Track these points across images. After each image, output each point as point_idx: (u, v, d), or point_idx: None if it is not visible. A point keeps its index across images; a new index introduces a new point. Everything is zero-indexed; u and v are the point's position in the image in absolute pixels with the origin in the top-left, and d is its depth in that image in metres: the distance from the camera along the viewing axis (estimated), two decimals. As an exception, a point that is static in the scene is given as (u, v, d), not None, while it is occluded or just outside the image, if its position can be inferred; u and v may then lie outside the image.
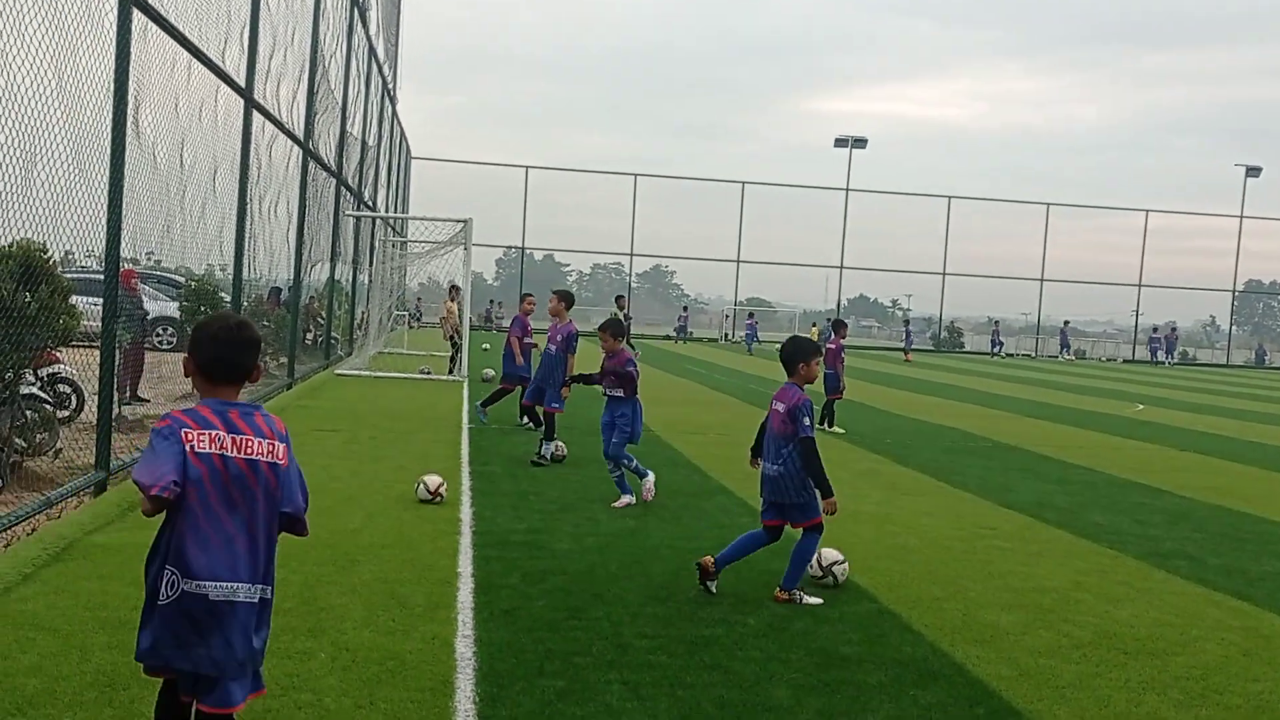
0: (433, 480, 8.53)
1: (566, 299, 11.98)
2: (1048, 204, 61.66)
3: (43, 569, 5.97)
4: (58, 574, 5.91)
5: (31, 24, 6.40)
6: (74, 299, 8.44)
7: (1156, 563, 7.86)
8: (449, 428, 13.45)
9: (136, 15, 7.95)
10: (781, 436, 6.27)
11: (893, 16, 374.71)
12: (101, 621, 5.16)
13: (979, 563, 7.54)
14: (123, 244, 8.01)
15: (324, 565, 6.34)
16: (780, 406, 6.30)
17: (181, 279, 16.95)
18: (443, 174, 76.72)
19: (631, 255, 59.35)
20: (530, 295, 15.53)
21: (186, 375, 3.29)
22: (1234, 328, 71.73)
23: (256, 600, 3.20)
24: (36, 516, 6.85)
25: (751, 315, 52.09)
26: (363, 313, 28.16)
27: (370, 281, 28.59)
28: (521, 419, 13.66)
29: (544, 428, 11.28)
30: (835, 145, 58.78)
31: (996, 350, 57.20)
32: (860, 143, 58.25)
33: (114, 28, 7.71)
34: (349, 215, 24.26)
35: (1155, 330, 60.78)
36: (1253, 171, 61.02)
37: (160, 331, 18.78)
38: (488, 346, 31.33)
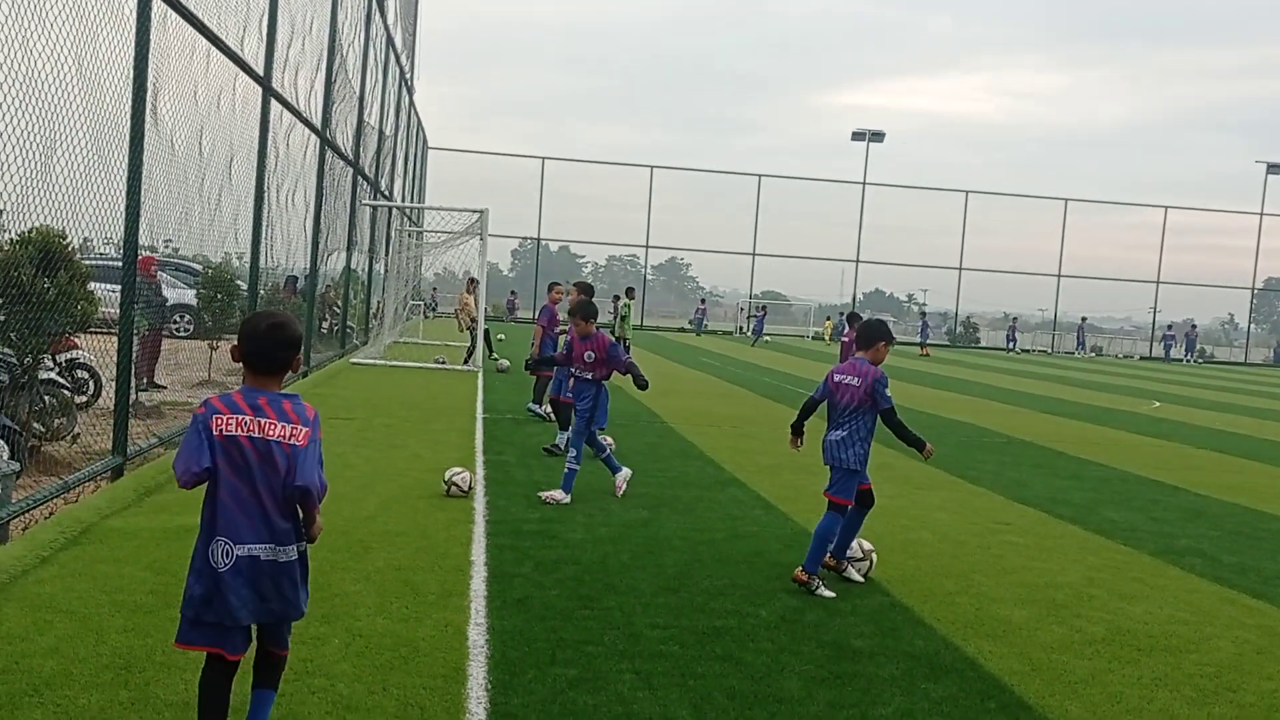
0: (464, 479, 8.42)
1: (587, 291, 12.06)
2: (1065, 199, 61.33)
3: (60, 552, 6.02)
4: (74, 557, 5.96)
5: (53, 10, 6.43)
6: (92, 285, 8.48)
7: (1171, 560, 7.83)
8: (463, 417, 13.49)
9: (156, 3, 7.97)
10: (849, 407, 6.47)
11: (910, 11, 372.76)
12: (118, 605, 5.20)
13: (992, 557, 7.52)
14: (141, 231, 8.04)
15: (338, 552, 6.38)
16: (854, 380, 6.46)
17: (199, 267, 17.03)
18: (459, 164, 77.00)
19: (647, 247, 59.33)
20: (559, 284, 15.03)
21: (235, 361, 3.70)
22: (1252, 326, 71.28)
23: (282, 560, 3.59)
24: (54, 500, 6.91)
25: (763, 308, 51.98)
26: (378, 302, 28.23)
27: (386, 271, 28.63)
28: (542, 408, 13.72)
29: (560, 417, 11.30)
30: (853, 139, 58.61)
31: (1011, 346, 56.96)
32: (878, 136, 58.04)
33: (134, 15, 7.73)
34: (365, 204, 24.30)
35: (1170, 328, 60.41)
36: (1274, 169, 60.39)
37: (177, 319, 18.87)
38: (503, 337, 31.37)
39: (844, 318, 22.07)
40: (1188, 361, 56.43)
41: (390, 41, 27.44)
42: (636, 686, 4.65)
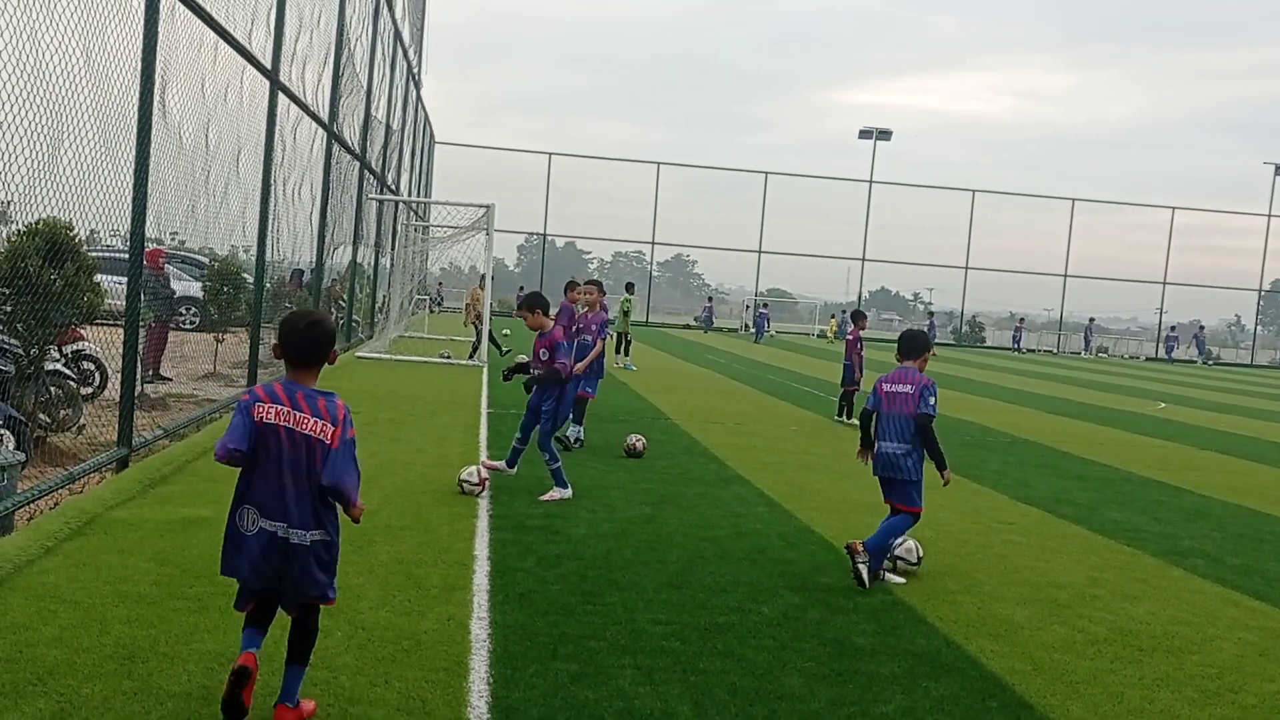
0: (471, 475, 8.37)
1: (601, 289, 12.18)
2: (1072, 199, 61.14)
3: (64, 543, 6.04)
4: (79, 548, 5.98)
5: (62, 3, 6.44)
6: (99, 277, 8.50)
7: (1174, 560, 7.82)
8: (468, 411, 13.50)
9: (164, -4, 7.98)
10: (902, 414, 6.64)
11: (916, 9, 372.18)
12: (121, 595, 5.22)
13: (995, 557, 7.52)
14: (148, 223, 8.06)
15: (341, 545, 6.37)
16: (906, 388, 6.66)
17: (205, 259, 17.05)
18: (466, 159, 77.07)
19: (653, 244, 59.27)
20: (578, 284, 13.53)
21: (276, 357, 4.15)
22: (1259, 328, 71.09)
23: (308, 543, 3.98)
24: (59, 491, 6.93)
25: (766, 305, 51.93)
26: (384, 296, 28.26)
27: (392, 265, 28.66)
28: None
29: (575, 410, 11.32)
30: (860, 137, 58.49)
31: (1017, 346, 56.87)
32: (885, 135, 57.93)
33: (142, 8, 7.74)
34: (372, 199, 24.32)
35: (1173, 329, 60.26)
36: (1282, 170, 60.26)
37: (183, 312, 18.90)
38: (508, 332, 31.38)
39: (847, 315, 22.03)
40: (1202, 363, 56.25)
41: (398, 36, 27.45)
42: (638, 682, 4.65)
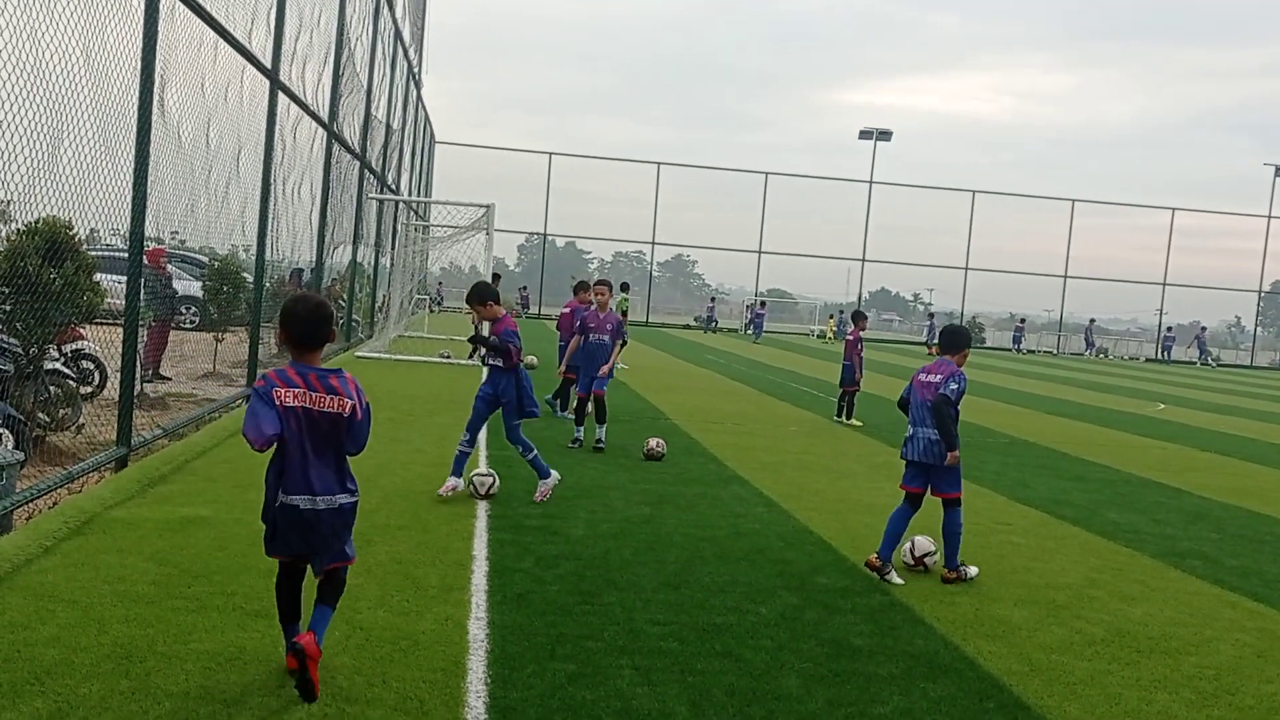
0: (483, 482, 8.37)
1: (610, 289, 12.22)
2: (1073, 200, 61.12)
3: (63, 542, 6.04)
4: (77, 547, 5.98)
5: (62, 2, 6.44)
6: (99, 276, 8.50)
7: (1172, 562, 7.82)
8: (467, 411, 13.43)
9: (164, -5, 7.99)
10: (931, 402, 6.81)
11: (915, 9, 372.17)
12: (120, 595, 5.23)
13: (993, 558, 7.52)
14: (147, 222, 8.06)
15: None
16: (938, 377, 6.84)
17: (205, 259, 17.05)
18: (466, 159, 76.89)
19: (653, 244, 59.20)
20: (588, 284, 13.11)
21: (279, 344, 4.37)
22: (1259, 329, 71.06)
23: (337, 506, 4.35)
24: (58, 490, 6.93)
25: (763, 304, 51.88)
26: (384, 296, 28.26)
27: (392, 265, 28.67)
28: (559, 406, 13.77)
29: (597, 410, 11.33)
30: (860, 137, 58.49)
31: (1018, 347, 56.85)
32: (885, 135, 57.92)
33: (142, 6, 7.75)
34: (372, 198, 24.33)
35: (1170, 330, 60.26)
36: (1282, 171, 60.25)
37: (183, 311, 18.90)
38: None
39: (846, 316, 21.99)
40: (1201, 364, 56.18)
41: (398, 35, 27.45)
42: (635, 682, 4.66)
